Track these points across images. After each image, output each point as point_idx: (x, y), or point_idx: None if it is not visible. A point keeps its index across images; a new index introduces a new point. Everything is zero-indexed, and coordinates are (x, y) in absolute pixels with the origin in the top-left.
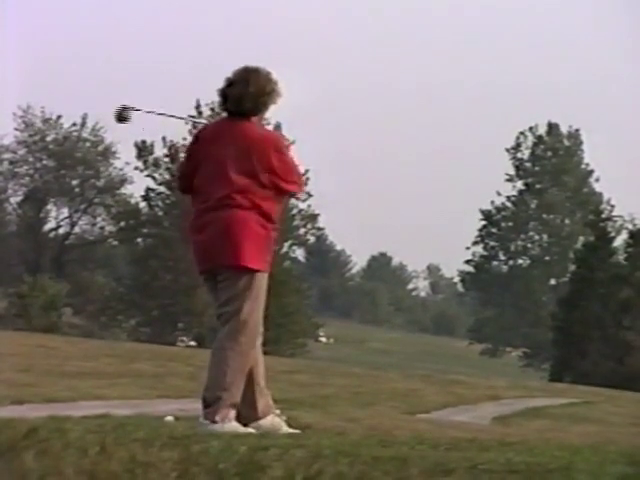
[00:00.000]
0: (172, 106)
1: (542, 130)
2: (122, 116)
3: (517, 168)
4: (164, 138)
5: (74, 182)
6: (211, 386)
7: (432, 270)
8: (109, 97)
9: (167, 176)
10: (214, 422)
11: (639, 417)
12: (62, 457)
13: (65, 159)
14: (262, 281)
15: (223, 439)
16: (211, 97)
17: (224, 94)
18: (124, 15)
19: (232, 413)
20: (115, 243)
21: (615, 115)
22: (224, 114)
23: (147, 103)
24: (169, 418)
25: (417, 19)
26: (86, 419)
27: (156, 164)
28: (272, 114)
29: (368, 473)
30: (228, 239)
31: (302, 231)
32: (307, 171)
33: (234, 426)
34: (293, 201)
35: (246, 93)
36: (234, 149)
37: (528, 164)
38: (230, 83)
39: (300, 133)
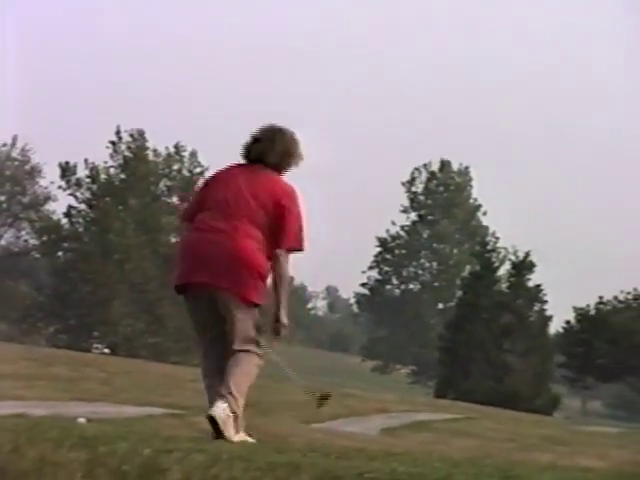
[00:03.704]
0: (93, 129)
1: (435, 167)
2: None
3: (411, 200)
4: (86, 160)
5: (2, 198)
6: None
7: (330, 291)
8: (37, 119)
9: (88, 195)
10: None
11: (515, 433)
12: None
13: None
14: None
15: (131, 441)
16: (132, 124)
17: (248, 149)
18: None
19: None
20: (38, 255)
21: (502, 153)
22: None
23: (69, 123)
24: (81, 420)
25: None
26: (2, 418)
27: (78, 184)
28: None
29: (260, 479)
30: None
31: None
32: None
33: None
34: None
35: (271, 150)
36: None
37: (422, 197)
38: (255, 140)
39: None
